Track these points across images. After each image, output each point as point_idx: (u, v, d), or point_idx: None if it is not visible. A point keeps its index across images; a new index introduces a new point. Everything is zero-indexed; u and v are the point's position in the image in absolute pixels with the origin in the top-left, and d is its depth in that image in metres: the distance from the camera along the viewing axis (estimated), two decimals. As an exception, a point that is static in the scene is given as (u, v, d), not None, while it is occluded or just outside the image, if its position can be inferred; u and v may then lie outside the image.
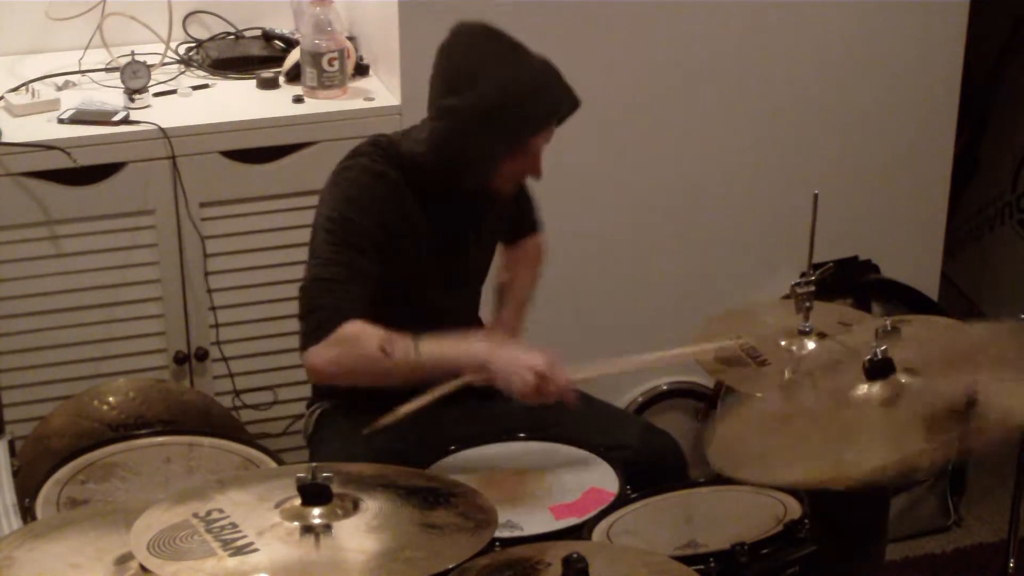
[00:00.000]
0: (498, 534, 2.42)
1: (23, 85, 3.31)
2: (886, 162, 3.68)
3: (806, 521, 2.50)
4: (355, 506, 2.19)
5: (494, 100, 2.66)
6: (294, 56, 3.43)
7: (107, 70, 3.45)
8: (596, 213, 3.49)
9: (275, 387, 3.39)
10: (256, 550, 2.09)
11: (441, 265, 2.83)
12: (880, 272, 3.73)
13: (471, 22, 2.73)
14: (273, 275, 3.32)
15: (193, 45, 3.58)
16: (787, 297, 2.80)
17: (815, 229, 2.75)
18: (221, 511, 2.19)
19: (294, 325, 3.26)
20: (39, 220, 3.16)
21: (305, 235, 2.83)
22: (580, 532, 2.54)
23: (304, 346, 2.70)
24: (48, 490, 2.66)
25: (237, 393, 3.36)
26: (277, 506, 2.18)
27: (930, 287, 3.78)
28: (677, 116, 3.49)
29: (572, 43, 3.26)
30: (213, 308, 3.30)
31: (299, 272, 3.12)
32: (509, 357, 2.67)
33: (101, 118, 3.21)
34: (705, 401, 3.66)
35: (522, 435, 2.87)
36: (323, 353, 2.67)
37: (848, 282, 3.63)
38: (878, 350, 2.32)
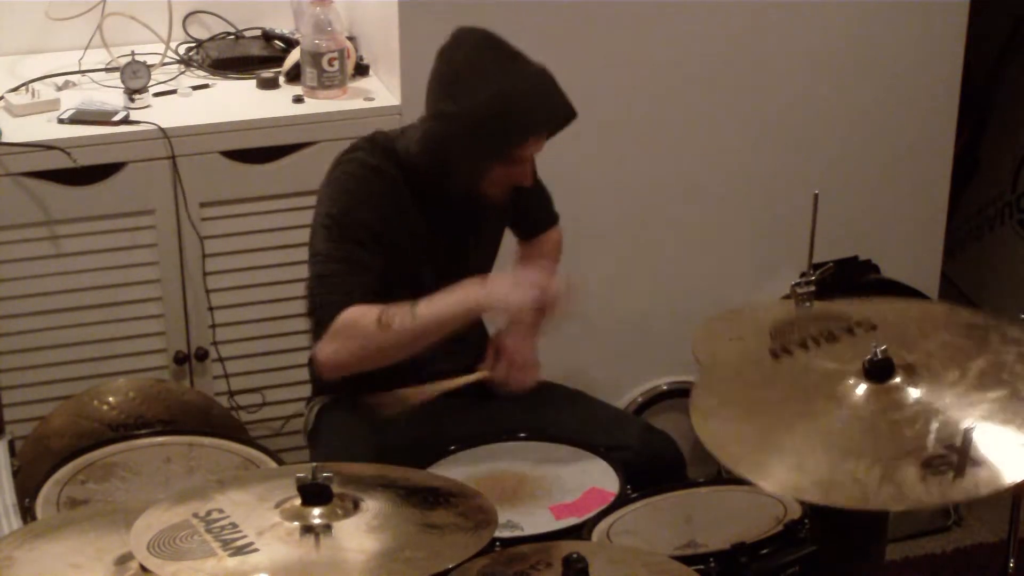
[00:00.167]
0: (498, 534, 2.41)
1: (23, 85, 3.31)
2: (886, 162, 3.67)
3: (806, 521, 2.50)
4: (355, 506, 2.20)
5: (487, 109, 2.66)
6: (294, 56, 3.43)
7: (107, 70, 3.45)
8: (596, 213, 3.49)
9: (275, 387, 3.39)
10: (256, 550, 2.09)
11: (439, 262, 2.83)
12: (880, 272, 3.73)
13: (472, 28, 2.74)
14: (273, 275, 3.32)
15: (193, 45, 3.58)
16: (787, 297, 2.80)
17: (815, 229, 2.75)
18: (221, 511, 2.19)
19: (294, 325, 3.29)
20: (39, 220, 3.16)
21: (305, 235, 2.83)
22: (580, 532, 2.54)
23: (314, 344, 2.71)
24: (48, 490, 2.66)
25: (237, 393, 3.36)
26: (277, 506, 2.18)
27: (930, 287, 3.77)
28: (677, 116, 3.49)
29: (572, 43, 3.26)
30: (213, 308, 3.30)
31: (299, 272, 3.12)
32: (503, 283, 2.70)
33: (101, 118, 3.21)
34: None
35: (522, 435, 2.87)
36: (326, 347, 2.68)
37: (848, 282, 3.62)
38: (878, 350, 2.32)
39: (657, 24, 3.40)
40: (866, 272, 3.72)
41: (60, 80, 3.39)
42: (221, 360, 3.33)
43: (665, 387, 3.66)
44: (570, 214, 3.25)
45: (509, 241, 3.07)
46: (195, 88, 3.41)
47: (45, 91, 3.32)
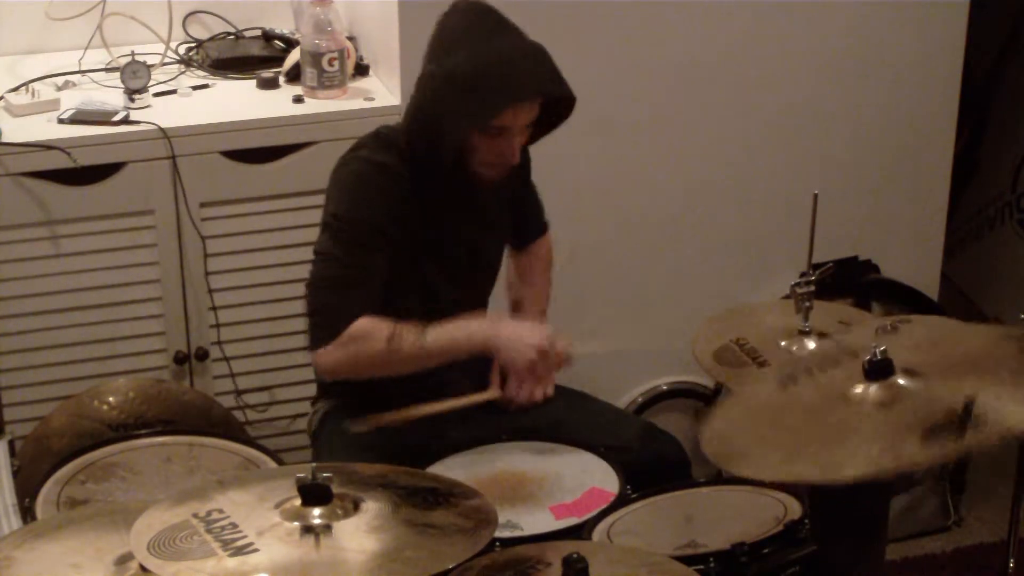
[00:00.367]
0: (498, 534, 2.41)
1: (23, 85, 3.32)
2: (886, 162, 3.68)
3: (806, 521, 2.50)
4: (355, 506, 2.19)
5: (466, 70, 2.65)
6: (294, 56, 3.43)
7: (107, 70, 3.45)
8: (596, 213, 3.49)
9: (275, 387, 3.40)
10: (256, 550, 2.09)
11: (447, 259, 2.83)
12: (880, 272, 3.73)
13: (472, 0, 2.74)
14: (273, 275, 3.32)
15: (193, 45, 3.59)
16: (787, 297, 2.80)
17: (815, 229, 2.75)
18: (221, 511, 2.19)
19: (294, 325, 3.28)
20: (39, 220, 3.16)
21: (305, 235, 2.84)
22: (580, 532, 2.54)
23: (313, 346, 2.72)
24: (48, 490, 2.66)
25: (238, 393, 3.36)
26: (277, 506, 2.18)
27: (930, 287, 3.78)
28: (677, 116, 3.49)
29: (572, 43, 3.26)
30: (213, 308, 3.30)
31: (300, 272, 3.12)
32: (512, 333, 2.74)
33: (101, 118, 3.21)
34: (705, 401, 3.66)
35: (522, 435, 2.87)
36: (334, 353, 2.69)
37: (848, 282, 3.62)
38: (877, 350, 2.32)
39: (657, 24, 3.40)
40: (866, 272, 3.72)
41: (60, 80, 3.39)
42: (226, 360, 3.33)
43: (665, 387, 3.66)
44: (570, 214, 3.25)
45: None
46: (195, 88, 3.41)
47: (45, 91, 3.32)
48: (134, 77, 3.29)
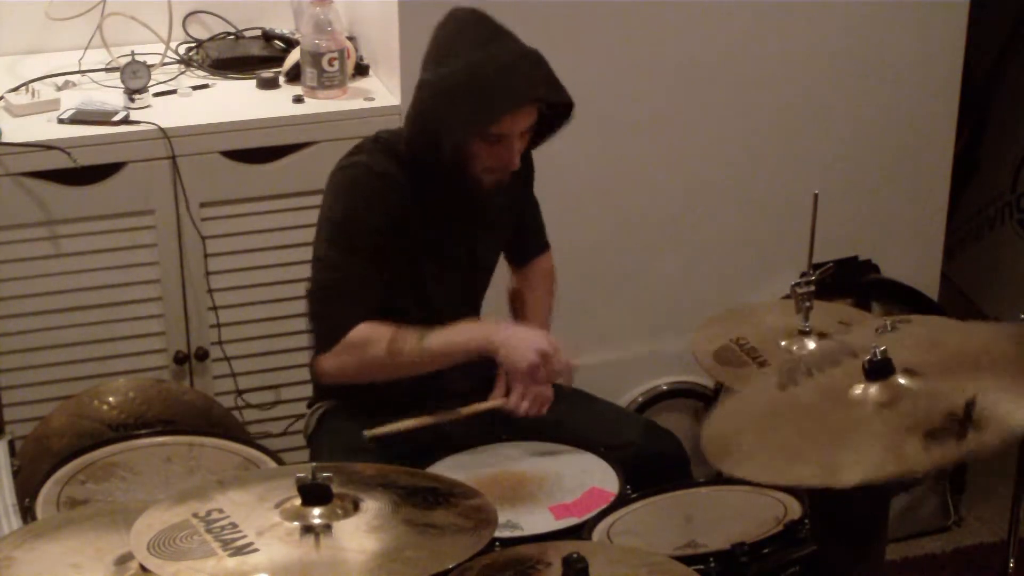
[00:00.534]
0: (498, 534, 2.42)
1: (23, 85, 3.32)
2: (886, 162, 3.68)
3: (806, 521, 2.50)
4: (355, 506, 2.19)
5: (463, 75, 2.65)
6: (294, 56, 3.43)
7: (107, 70, 3.45)
8: (596, 213, 3.49)
9: (275, 387, 3.40)
10: (256, 550, 2.09)
11: (445, 264, 2.83)
12: (880, 272, 3.73)
13: (465, 7, 2.74)
14: (273, 275, 3.32)
15: (193, 45, 3.59)
16: (787, 297, 2.80)
17: (815, 229, 2.75)
18: (221, 511, 2.19)
19: (294, 325, 3.29)
20: (39, 220, 3.16)
21: (305, 235, 2.84)
22: (580, 532, 2.54)
23: (315, 353, 2.72)
24: (48, 490, 2.66)
25: (238, 393, 3.37)
26: (277, 506, 2.18)
27: (930, 287, 3.78)
28: (677, 116, 3.49)
29: (572, 43, 3.26)
30: (213, 308, 3.30)
31: (300, 272, 3.14)
32: (513, 337, 2.73)
33: (101, 118, 3.21)
34: (705, 401, 3.66)
35: (522, 435, 2.87)
36: (333, 360, 2.71)
37: (848, 282, 3.62)
38: (878, 350, 2.32)
39: (657, 24, 3.40)
40: (866, 272, 3.72)
41: (60, 80, 3.39)
42: (226, 360, 3.33)
43: (665, 387, 3.66)
44: (570, 214, 3.25)
45: (503, 268, 3.07)
46: (195, 88, 3.41)
47: (45, 91, 3.32)
48: (134, 77, 3.29)
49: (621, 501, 2.64)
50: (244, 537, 2.12)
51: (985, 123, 4.43)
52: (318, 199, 2.85)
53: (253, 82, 3.43)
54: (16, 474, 2.71)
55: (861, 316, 3.02)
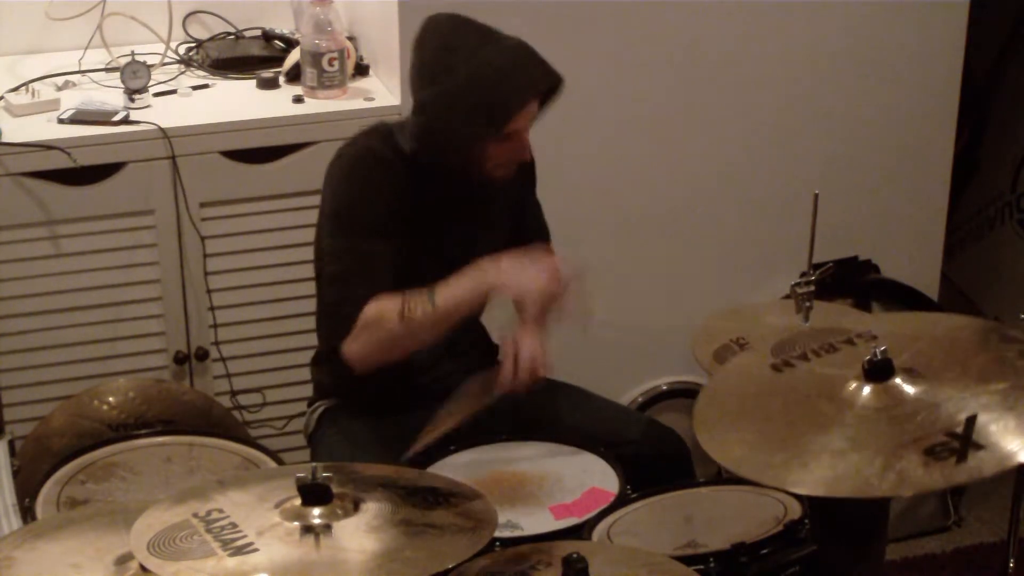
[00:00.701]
0: (498, 534, 2.41)
1: (23, 85, 3.31)
2: (886, 162, 3.67)
3: (806, 521, 2.50)
4: (355, 506, 2.20)
5: (468, 86, 2.65)
6: (294, 56, 3.43)
7: (107, 70, 3.45)
8: (595, 213, 3.49)
9: (275, 387, 3.39)
10: (256, 550, 2.09)
11: (444, 255, 2.82)
12: (880, 272, 3.73)
13: (439, 14, 2.73)
14: (273, 275, 3.32)
15: (193, 45, 3.59)
16: (787, 297, 2.80)
17: (815, 229, 2.75)
18: (221, 511, 2.19)
19: (294, 325, 3.29)
20: (39, 220, 3.16)
21: (305, 235, 2.84)
22: (580, 532, 2.54)
23: (337, 344, 2.71)
24: (48, 490, 2.66)
25: (237, 393, 3.36)
26: (277, 506, 2.18)
27: (930, 287, 3.77)
28: (676, 116, 3.49)
29: (572, 43, 3.26)
30: (213, 308, 3.30)
31: (300, 272, 3.14)
32: (517, 263, 2.69)
33: (101, 118, 3.21)
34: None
35: (522, 435, 2.87)
36: (355, 346, 2.68)
37: (848, 282, 3.62)
38: (878, 350, 2.32)
39: (657, 24, 3.40)
40: (866, 272, 3.72)
41: (60, 80, 3.39)
42: (223, 360, 3.33)
43: (665, 387, 3.66)
44: (570, 214, 3.25)
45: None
46: (195, 88, 3.41)
47: (45, 91, 3.32)
48: (134, 77, 3.29)
49: (621, 501, 2.63)
50: (244, 537, 2.12)
51: (985, 123, 4.43)
52: (318, 199, 2.85)
53: (253, 82, 3.43)
54: (16, 474, 2.72)
55: (861, 316, 3.02)
